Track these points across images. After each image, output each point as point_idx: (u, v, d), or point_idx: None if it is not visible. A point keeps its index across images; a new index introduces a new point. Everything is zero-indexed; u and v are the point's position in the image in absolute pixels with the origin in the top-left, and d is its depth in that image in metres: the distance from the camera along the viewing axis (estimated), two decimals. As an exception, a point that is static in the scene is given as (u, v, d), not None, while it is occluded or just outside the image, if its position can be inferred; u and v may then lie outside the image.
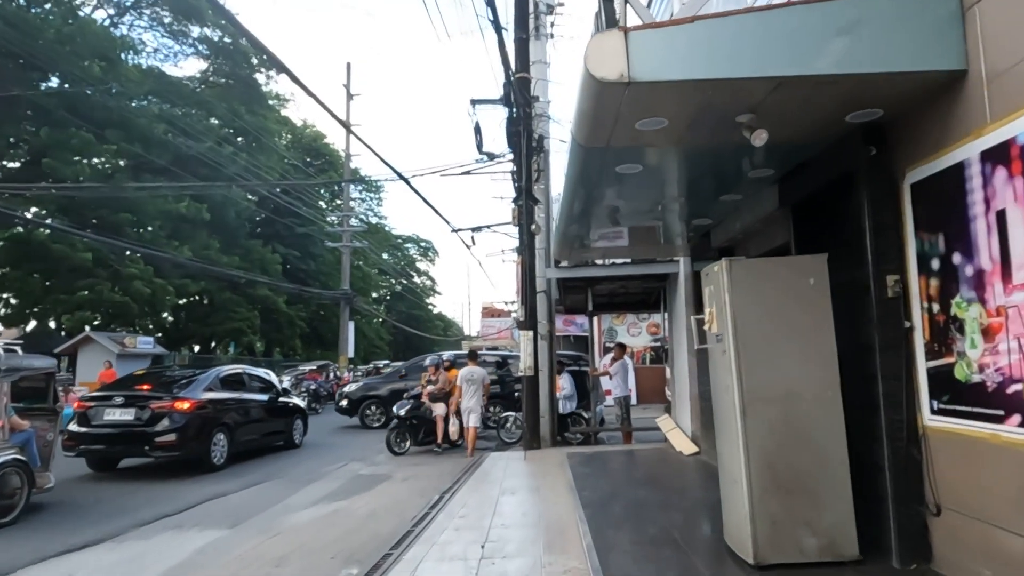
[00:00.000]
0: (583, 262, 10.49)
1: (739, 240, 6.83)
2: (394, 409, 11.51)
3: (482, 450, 12.28)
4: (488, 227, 21.63)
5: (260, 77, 37.96)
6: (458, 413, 11.18)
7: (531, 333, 10.60)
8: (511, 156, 11.77)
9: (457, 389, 11.10)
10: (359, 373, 23.95)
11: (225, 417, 9.88)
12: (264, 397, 11.42)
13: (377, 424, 15.34)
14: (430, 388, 11.37)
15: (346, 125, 11.55)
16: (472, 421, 10.91)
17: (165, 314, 34.99)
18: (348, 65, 29.74)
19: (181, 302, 33.75)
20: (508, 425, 13.03)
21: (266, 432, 11.22)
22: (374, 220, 56.27)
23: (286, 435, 11.96)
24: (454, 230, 19.44)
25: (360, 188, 54.24)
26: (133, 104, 27.10)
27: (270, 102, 41.15)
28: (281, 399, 11.95)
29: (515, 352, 18.94)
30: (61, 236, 21.20)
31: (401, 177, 12.54)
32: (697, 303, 8.55)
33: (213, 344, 36.78)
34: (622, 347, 11.72)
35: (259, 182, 27.76)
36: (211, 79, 36.26)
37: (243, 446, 10.46)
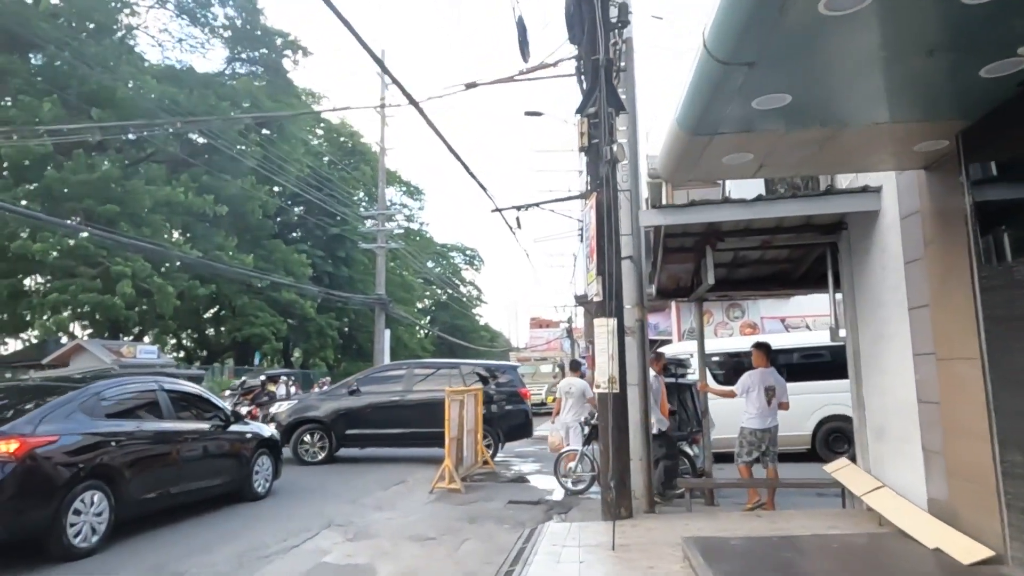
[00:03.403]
0: (693, 195, 6.15)
1: None
2: None
3: (532, 503, 8.14)
4: (537, 205, 17.51)
5: (287, 63, 35.03)
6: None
7: (613, 322, 6.31)
8: (573, 55, 7.59)
9: (557, 402, 9.82)
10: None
11: (107, 463, 5.90)
12: (201, 426, 7.46)
13: (319, 458, 11.28)
14: None
15: (379, 61, 7.78)
16: (570, 440, 9.14)
17: (190, 320, 31.98)
18: (382, 52, 25.81)
19: (221, 312, 30.57)
20: (572, 466, 8.81)
21: (199, 482, 7.22)
22: (414, 226, 53.31)
23: (239, 482, 7.93)
24: (496, 209, 15.35)
25: (401, 190, 51.33)
26: (137, 86, 24.06)
27: (303, 97, 38.19)
28: (233, 427, 7.97)
29: (505, 362, 14.48)
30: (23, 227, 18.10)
31: (412, 101, 8.50)
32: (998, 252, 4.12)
33: (258, 356, 33.45)
34: (764, 349, 7.30)
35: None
36: (234, 66, 33.38)
37: (147, 508, 6.48)
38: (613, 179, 6.56)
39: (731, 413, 7.98)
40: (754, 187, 8.56)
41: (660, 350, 7.99)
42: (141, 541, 6.20)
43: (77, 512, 5.55)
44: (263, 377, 15.36)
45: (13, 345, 27.50)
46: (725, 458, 8.43)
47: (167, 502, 6.72)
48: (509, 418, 11.75)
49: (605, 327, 6.35)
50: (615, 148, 6.43)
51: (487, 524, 6.98)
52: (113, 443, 6.04)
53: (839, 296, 6.65)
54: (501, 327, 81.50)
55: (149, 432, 6.54)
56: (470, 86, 8.17)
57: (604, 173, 6.45)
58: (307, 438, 11.26)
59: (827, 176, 6.93)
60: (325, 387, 18.45)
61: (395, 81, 8.01)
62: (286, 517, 7.32)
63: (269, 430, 8.87)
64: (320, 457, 11.21)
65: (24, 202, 20.51)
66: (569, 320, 52.35)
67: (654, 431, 7.24)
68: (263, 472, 8.35)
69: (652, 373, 7.50)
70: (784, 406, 7.26)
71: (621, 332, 6.43)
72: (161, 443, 6.66)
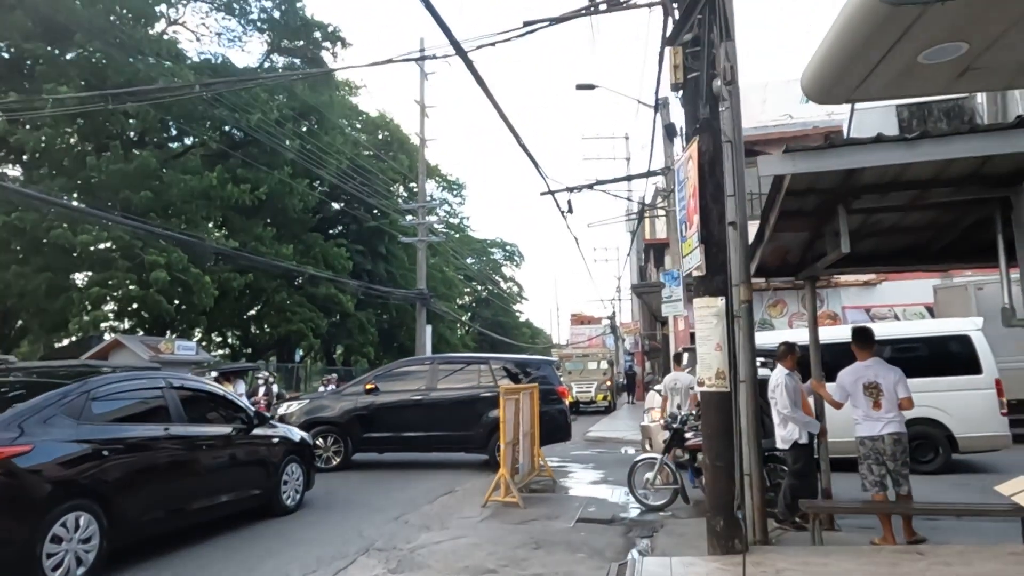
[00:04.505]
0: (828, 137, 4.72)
1: None
2: None
3: (606, 522, 6.88)
4: (590, 187, 16.20)
5: (326, 55, 34.31)
6: None
7: (720, 303, 4.97)
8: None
9: (664, 400, 9.30)
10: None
11: (97, 478, 4.82)
12: (218, 430, 6.36)
13: (333, 464, 10.12)
14: None
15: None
16: None
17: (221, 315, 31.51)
18: (421, 40, 24.62)
19: (262, 309, 29.99)
20: (649, 476, 7.49)
21: (215, 497, 6.12)
22: (455, 221, 52.62)
23: (265, 495, 6.82)
24: (548, 191, 14.10)
25: (441, 186, 50.57)
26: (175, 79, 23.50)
27: (341, 89, 37.49)
28: (257, 431, 6.87)
29: (540, 357, 12.84)
30: (62, 220, 17.56)
31: (459, 50, 7.26)
32: None
33: (299, 352, 32.75)
34: (860, 337, 5.80)
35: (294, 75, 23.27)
36: (272, 58, 32.79)
37: (150, 531, 5.39)
38: (716, 122, 5.19)
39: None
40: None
41: (789, 340, 6.54)
42: (138, 573, 5.11)
43: (57, 539, 4.47)
44: (214, 374, 13.80)
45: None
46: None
47: (176, 522, 5.63)
48: (545, 420, 10.21)
49: (710, 309, 5.02)
50: (723, 72, 5.03)
51: (557, 551, 5.71)
52: (106, 452, 4.95)
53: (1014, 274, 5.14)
54: (542, 325, 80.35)
55: (152, 438, 5.44)
56: (559, 19, 6.79)
57: (704, 116, 5.09)
58: (320, 442, 10.07)
59: (986, 111, 5.42)
60: (331, 386, 16.97)
61: (440, 22, 6.75)
62: (317, 539, 6.17)
63: (300, 433, 7.74)
64: (335, 463, 10.09)
65: (64, 196, 20.16)
66: (612, 316, 50.87)
67: (801, 440, 5.88)
68: (292, 482, 7.24)
69: (783, 370, 6.10)
70: (905, 404, 5.69)
71: (730, 314, 5.08)
72: (167, 451, 5.56)
